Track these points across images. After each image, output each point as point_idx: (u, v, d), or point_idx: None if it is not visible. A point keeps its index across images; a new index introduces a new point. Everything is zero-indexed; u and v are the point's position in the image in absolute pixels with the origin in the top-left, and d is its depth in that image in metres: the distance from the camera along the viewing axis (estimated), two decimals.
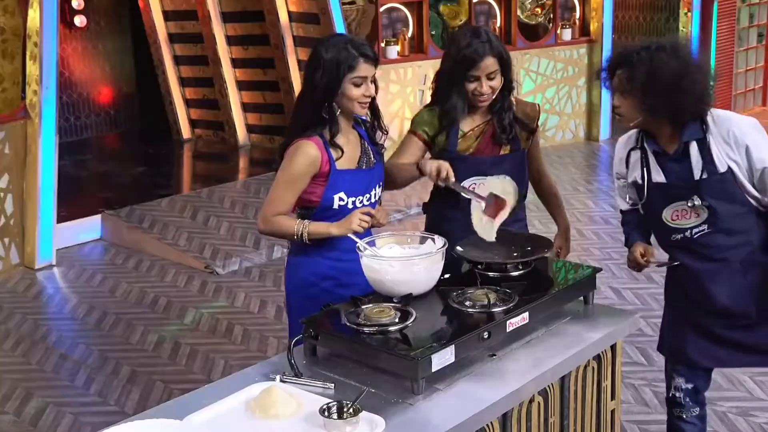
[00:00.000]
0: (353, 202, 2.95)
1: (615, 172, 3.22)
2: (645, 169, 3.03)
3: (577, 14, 9.43)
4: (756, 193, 2.93)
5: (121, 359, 4.77)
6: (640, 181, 3.06)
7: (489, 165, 3.26)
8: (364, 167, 3.00)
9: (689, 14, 9.68)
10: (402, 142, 3.35)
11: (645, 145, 3.04)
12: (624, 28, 10.37)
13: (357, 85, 2.89)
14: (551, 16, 9.23)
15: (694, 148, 2.94)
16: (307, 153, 2.89)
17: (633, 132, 3.11)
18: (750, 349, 3.08)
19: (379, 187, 3.06)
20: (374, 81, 2.95)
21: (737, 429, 3.91)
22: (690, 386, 3.21)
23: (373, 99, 2.98)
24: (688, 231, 3.00)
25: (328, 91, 2.88)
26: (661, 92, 2.87)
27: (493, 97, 3.26)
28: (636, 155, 3.07)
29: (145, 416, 2.31)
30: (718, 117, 2.95)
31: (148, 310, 5.45)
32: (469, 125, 3.30)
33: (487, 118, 3.31)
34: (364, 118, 3.07)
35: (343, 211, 2.94)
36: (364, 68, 2.89)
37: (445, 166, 3.00)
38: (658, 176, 3.02)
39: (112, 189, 7.62)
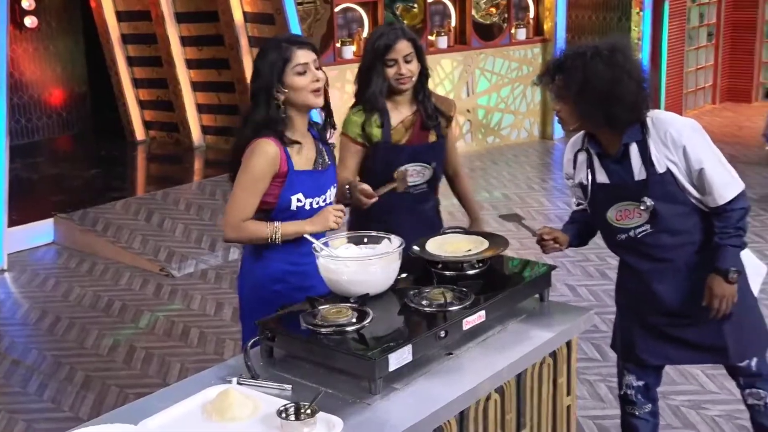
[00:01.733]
0: (310, 204, 2.94)
1: (564, 172, 3.27)
2: (590, 170, 3.08)
3: (531, 14, 9.50)
4: (696, 194, 2.98)
5: (75, 364, 4.71)
6: (585, 182, 3.10)
7: (421, 152, 3.52)
8: (320, 168, 3.00)
9: (641, 14, 9.80)
10: (340, 149, 3.47)
11: (589, 146, 3.08)
12: (577, 27, 10.46)
13: (301, 74, 2.87)
14: (505, 15, 9.29)
15: (634, 149, 2.98)
16: (266, 151, 2.86)
17: (580, 134, 3.16)
18: (697, 347, 3.13)
19: (334, 188, 3.05)
20: (319, 67, 2.93)
21: (690, 422, 3.97)
22: (641, 383, 3.25)
23: (326, 91, 2.97)
24: (632, 231, 3.04)
25: (268, 93, 2.86)
26: (594, 101, 2.90)
27: (413, 80, 3.46)
28: (582, 156, 3.11)
29: (100, 422, 2.28)
30: (657, 119, 2.99)
31: (103, 314, 5.39)
32: (397, 118, 3.50)
33: (413, 109, 3.52)
34: (314, 120, 3.08)
35: (300, 213, 2.93)
36: (300, 55, 2.87)
37: (367, 192, 3.19)
38: (602, 177, 3.06)
39: (65, 192, 7.52)
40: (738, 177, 3.01)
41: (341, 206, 3.01)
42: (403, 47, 3.40)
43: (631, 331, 3.21)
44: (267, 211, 2.93)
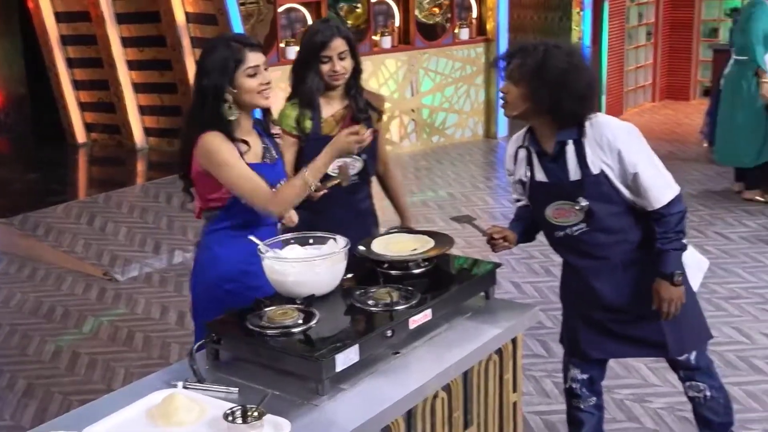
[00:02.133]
0: None
1: (506, 168, 3.31)
2: (529, 167, 3.12)
3: (474, 14, 9.56)
4: (630, 196, 3.03)
5: (16, 372, 4.62)
6: (524, 179, 3.14)
7: None
8: (269, 162, 2.99)
9: (581, 13, 9.92)
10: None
11: (529, 144, 3.12)
12: (519, 27, 10.55)
13: (252, 76, 2.87)
14: (448, 15, 9.33)
15: (570, 149, 3.02)
16: (219, 139, 2.83)
17: (523, 131, 3.20)
18: (637, 342, 3.20)
19: (284, 181, 3.04)
20: (266, 68, 2.93)
21: (634, 415, 4.03)
22: (585, 377, 3.31)
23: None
24: (569, 229, 3.09)
25: (217, 92, 2.84)
26: (547, 83, 2.94)
27: (347, 77, 3.52)
28: (523, 153, 3.15)
29: (42, 430, 2.24)
30: (595, 122, 3.03)
31: (45, 320, 5.30)
32: (328, 111, 3.55)
33: (344, 103, 3.58)
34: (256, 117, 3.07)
35: (252, 207, 2.90)
36: (252, 57, 2.87)
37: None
38: (540, 175, 3.10)
39: (4, 196, 7.38)
40: (673, 181, 3.08)
41: (357, 128, 2.96)
42: (338, 44, 3.45)
43: (574, 326, 3.27)
44: (216, 208, 2.92)
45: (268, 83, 2.92)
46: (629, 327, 3.17)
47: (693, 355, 3.23)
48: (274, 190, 2.89)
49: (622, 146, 2.99)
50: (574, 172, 3.02)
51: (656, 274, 3.06)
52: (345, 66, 3.49)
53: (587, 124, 3.01)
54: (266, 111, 3.11)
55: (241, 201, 2.89)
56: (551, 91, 2.94)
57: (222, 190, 2.89)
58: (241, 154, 2.87)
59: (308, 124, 3.50)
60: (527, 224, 3.29)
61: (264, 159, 2.99)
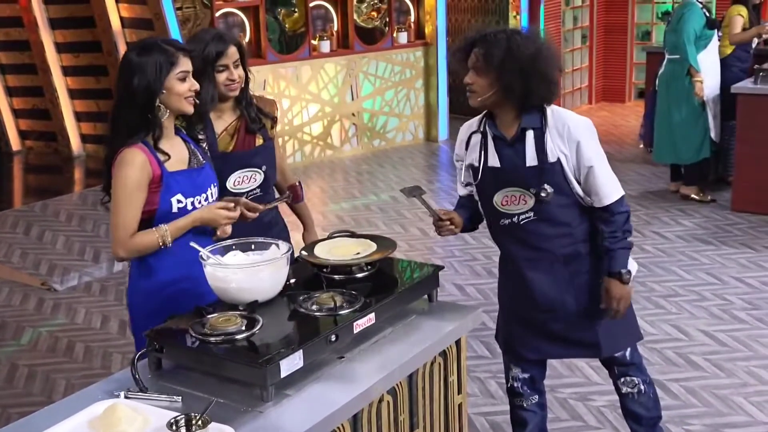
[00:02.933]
0: (192, 203, 2.90)
1: (455, 153, 3.29)
2: (483, 152, 3.12)
3: (412, 18, 9.61)
4: (579, 190, 3.07)
5: None
6: (476, 164, 3.15)
7: (250, 157, 3.46)
8: (195, 167, 2.96)
9: (518, 17, 10.04)
10: None
11: (486, 129, 3.13)
12: (457, 30, 10.64)
13: (182, 80, 2.86)
14: (387, 20, 9.36)
15: (530, 136, 3.05)
16: (134, 161, 2.81)
17: (477, 118, 3.20)
18: (571, 342, 3.23)
19: (215, 187, 3.02)
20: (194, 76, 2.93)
21: (577, 413, 4.08)
22: (526, 376, 3.34)
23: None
24: (516, 217, 3.11)
25: (150, 93, 2.82)
26: (517, 71, 2.96)
27: (241, 85, 3.43)
28: (476, 138, 3.16)
29: None
30: (556, 111, 3.08)
31: None
32: (221, 125, 3.44)
33: (236, 115, 3.47)
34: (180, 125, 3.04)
35: (183, 214, 2.88)
36: (184, 62, 2.87)
37: (250, 205, 3.09)
38: (494, 161, 3.11)
39: None
40: (619, 183, 3.13)
41: (243, 201, 2.98)
42: (233, 53, 3.38)
43: (510, 326, 3.30)
44: (148, 220, 2.88)
45: (196, 90, 2.91)
46: (562, 327, 3.20)
47: (628, 352, 3.29)
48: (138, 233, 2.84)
49: (582, 139, 3.04)
50: (530, 159, 3.05)
51: (605, 274, 3.11)
52: (240, 74, 3.41)
53: (548, 112, 3.05)
54: (191, 118, 3.05)
55: (171, 208, 2.86)
56: (522, 78, 2.96)
57: (150, 199, 2.85)
58: (161, 163, 2.84)
59: (203, 145, 3.35)
60: (471, 213, 3.29)
61: (190, 165, 2.96)
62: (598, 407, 4.12)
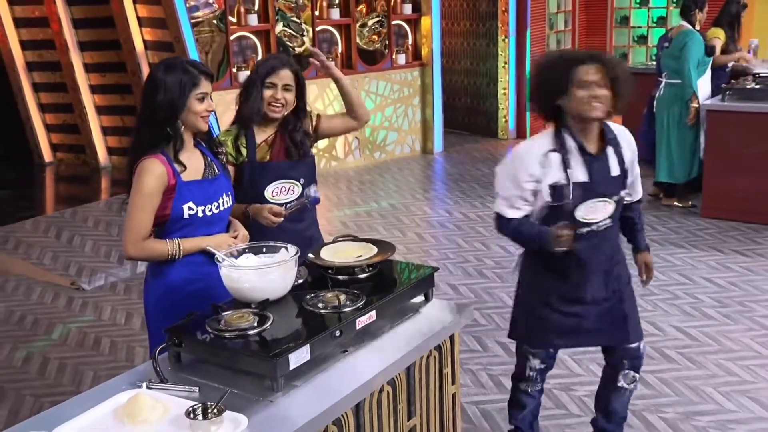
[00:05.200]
0: (203, 211, 2.90)
1: (528, 173, 3.03)
2: (566, 168, 3.00)
3: (410, 41, 9.62)
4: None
5: None
6: (562, 182, 3.00)
7: (286, 169, 3.41)
8: (209, 177, 2.96)
9: (506, 40, 10.05)
10: None
11: (568, 145, 3.01)
12: (451, 52, 10.66)
13: (201, 101, 2.86)
14: (387, 42, 9.37)
15: (610, 147, 3.07)
16: (152, 170, 2.81)
17: (543, 137, 3.07)
18: (606, 331, 3.22)
19: (227, 196, 3.01)
20: (211, 97, 2.93)
21: (561, 402, 4.07)
22: (543, 366, 3.34)
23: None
24: (596, 225, 3.09)
25: (173, 109, 2.82)
26: (628, 86, 3.00)
27: (286, 111, 3.37)
28: (556, 157, 3.01)
29: (15, 430, 2.19)
30: (614, 126, 3.13)
31: (16, 328, 5.18)
32: (262, 136, 3.40)
33: (276, 129, 3.42)
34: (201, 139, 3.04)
35: (194, 221, 2.88)
36: (205, 85, 2.87)
37: (275, 209, 3.24)
38: (582, 175, 3.01)
39: None
40: None
41: (243, 235, 3.00)
42: (286, 75, 3.33)
43: (544, 320, 3.21)
44: (162, 224, 2.88)
45: (211, 110, 2.91)
46: (600, 317, 3.19)
47: (642, 344, 3.29)
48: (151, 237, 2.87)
49: (634, 148, 3.14)
50: (615, 169, 3.07)
51: (640, 250, 3.33)
52: (287, 98, 3.33)
53: (611, 126, 3.12)
54: (209, 132, 3.05)
55: (183, 214, 2.86)
56: (628, 91, 2.99)
57: (164, 204, 2.85)
58: (177, 173, 2.84)
59: (244, 152, 3.37)
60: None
61: (205, 175, 2.95)
62: (580, 396, 4.11)
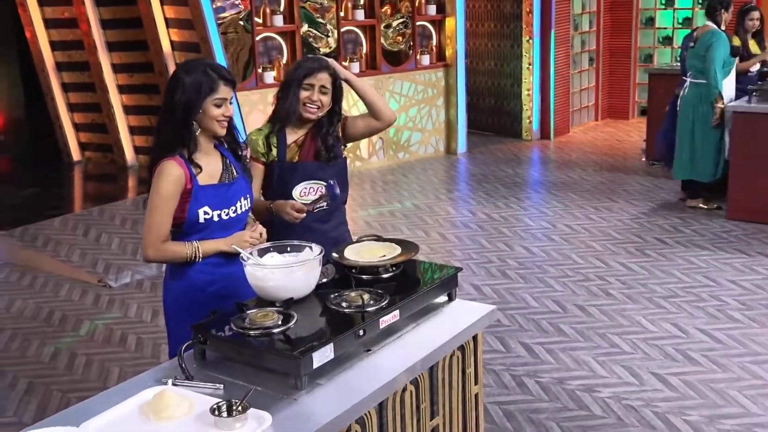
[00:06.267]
0: (218, 215, 2.90)
1: None
2: None
3: (434, 42, 9.60)
4: None
5: (18, 372, 4.55)
6: None
7: (315, 170, 3.41)
8: (226, 182, 2.95)
9: (531, 41, 10.00)
10: None
11: None
12: (475, 53, 10.63)
13: (218, 106, 2.86)
14: (411, 43, 9.36)
15: None
16: (170, 172, 2.82)
17: None
18: None
19: (245, 199, 3.01)
20: (231, 102, 2.92)
21: (584, 404, 4.04)
22: None
23: (231, 119, 2.95)
24: None
25: (188, 110, 2.82)
26: None
27: (321, 114, 3.36)
28: None
29: (43, 425, 2.20)
30: None
31: (44, 324, 5.23)
32: (292, 137, 3.40)
33: (307, 130, 3.42)
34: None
35: (210, 225, 2.89)
36: (224, 90, 2.86)
37: (297, 206, 3.22)
38: None
39: (5, 210, 7.27)
40: None
41: (261, 230, 2.98)
42: (323, 78, 3.32)
43: None
44: (179, 226, 2.89)
45: (228, 116, 2.90)
46: None
47: None
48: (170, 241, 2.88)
49: None
50: None
51: None
52: (323, 100, 3.32)
53: None
54: (231, 133, 3.01)
55: (198, 218, 2.87)
56: None
57: (180, 207, 2.86)
58: (194, 176, 2.84)
59: (274, 151, 3.38)
60: None
61: (221, 179, 2.94)
62: (603, 398, 4.08)
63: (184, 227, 2.88)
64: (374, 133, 3.65)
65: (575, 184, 8.15)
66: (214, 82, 2.84)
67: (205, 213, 2.87)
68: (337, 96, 3.39)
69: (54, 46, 8.75)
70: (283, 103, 3.38)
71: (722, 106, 6.81)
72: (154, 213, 2.84)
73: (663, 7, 11.05)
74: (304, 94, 3.33)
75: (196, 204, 2.85)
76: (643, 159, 8.88)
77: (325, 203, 3.36)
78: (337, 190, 3.31)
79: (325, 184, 3.38)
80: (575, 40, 10.73)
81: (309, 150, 3.41)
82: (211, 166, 2.92)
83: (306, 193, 3.39)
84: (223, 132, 2.92)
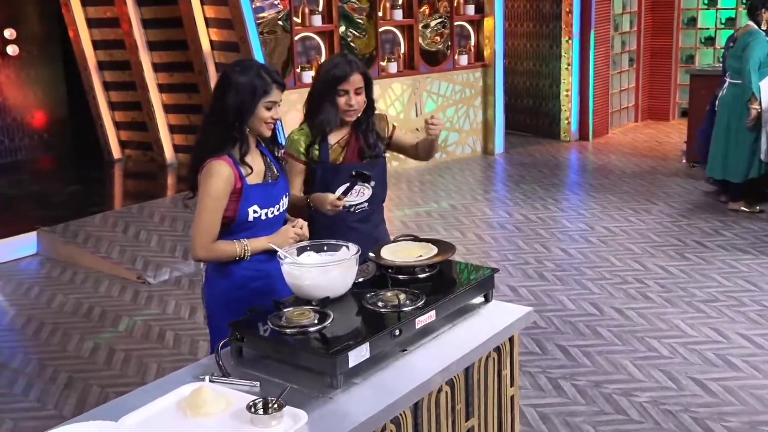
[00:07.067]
0: (265, 213, 2.93)
1: None
2: None
3: (473, 42, 9.57)
4: None
5: (58, 366, 4.63)
6: None
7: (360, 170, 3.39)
8: (270, 181, 2.98)
9: (570, 42, 9.92)
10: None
11: None
12: (514, 54, 10.57)
13: (268, 109, 2.88)
14: (449, 43, 9.34)
15: None
16: (220, 172, 2.84)
17: None
18: None
19: (286, 197, 3.04)
20: (279, 106, 2.95)
21: (621, 408, 4.00)
22: None
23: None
24: None
25: (241, 112, 2.84)
26: None
27: (360, 113, 3.37)
28: None
29: (82, 419, 2.24)
30: None
31: (84, 319, 5.30)
32: (335, 138, 3.40)
33: (350, 129, 3.42)
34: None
35: (258, 223, 2.91)
36: (276, 94, 2.89)
37: (335, 201, 3.21)
38: None
39: (47, 207, 7.38)
40: None
41: (302, 223, 3.00)
42: (356, 80, 3.31)
43: None
44: (227, 225, 2.91)
45: (277, 119, 2.94)
46: None
47: None
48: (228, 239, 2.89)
49: None
50: None
51: None
52: (359, 101, 3.35)
53: None
54: (274, 134, 3.04)
55: (248, 217, 2.89)
56: None
57: (229, 206, 2.88)
58: (243, 176, 2.87)
59: (316, 152, 3.38)
60: None
61: (266, 178, 2.97)
62: (641, 402, 4.04)
63: (232, 226, 2.91)
64: (410, 158, 3.70)
65: (614, 186, 8.07)
66: (268, 85, 2.86)
67: (254, 212, 2.90)
68: (368, 90, 3.40)
69: (96, 45, 8.86)
70: (320, 115, 3.36)
71: (758, 107, 6.70)
72: (205, 213, 2.86)
73: (705, 7, 10.90)
74: (341, 100, 3.33)
75: (246, 203, 2.88)
76: (684, 161, 8.77)
77: (366, 203, 3.37)
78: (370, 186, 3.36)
79: (366, 185, 3.36)
80: (615, 41, 10.63)
81: (353, 150, 3.42)
82: (256, 166, 2.94)
83: (348, 193, 3.37)
84: (269, 134, 2.95)
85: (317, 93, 3.40)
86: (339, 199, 3.24)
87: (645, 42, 11.09)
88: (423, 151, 3.57)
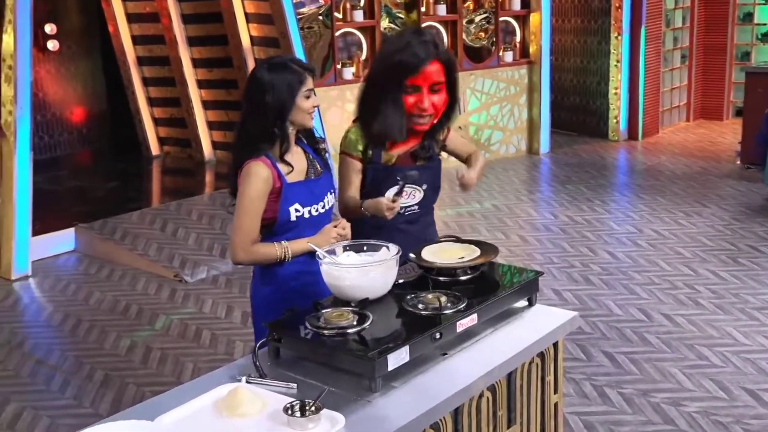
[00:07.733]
0: (309, 212, 2.93)
1: None
2: None
3: (518, 38, 9.52)
4: None
5: (95, 364, 4.70)
6: None
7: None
8: (313, 177, 2.98)
9: (620, 38, 9.82)
10: (340, 167, 3.22)
11: None
12: (561, 50, 10.49)
13: (308, 98, 2.89)
14: (494, 39, 9.30)
15: None
16: (258, 173, 2.85)
17: None
18: None
19: (331, 194, 3.03)
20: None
21: (669, 418, 3.95)
22: None
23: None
24: None
25: (282, 109, 2.85)
26: None
27: (436, 120, 2.84)
28: None
29: (118, 417, 2.26)
30: None
31: (121, 317, 5.38)
32: (396, 145, 3.12)
33: (416, 139, 3.10)
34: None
35: (301, 222, 2.92)
36: (310, 81, 2.90)
37: (389, 205, 3.00)
38: None
39: (85, 203, 7.50)
40: None
41: (344, 223, 2.99)
42: (433, 72, 2.60)
43: None
44: (269, 226, 2.93)
45: (317, 106, 2.93)
46: None
47: None
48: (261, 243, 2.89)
49: None
50: None
51: None
52: (437, 103, 2.66)
53: None
54: (311, 129, 3.02)
55: (290, 216, 2.90)
56: None
57: (270, 207, 2.89)
58: (282, 175, 2.87)
59: (369, 153, 3.15)
60: None
61: (308, 175, 2.97)
62: (690, 413, 3.98)
63: (274, 227, 2.92)
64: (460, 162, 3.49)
65: (664, 188, 7.97)
66: (302, 75, 2.87)
67: (296, 210, 2.91)
68: (452, 85, 2.70)
69: (135, 40, 8.98)
70: (378, 122, 2.90)
71: None
72: (244, 216, 2.88)
73: (762, 2, 10.71)
74: (410, 100, 2.74)
75: (286, 202, 2.89)
76: (738, 162, 8.63)
77: (416, 206, 3.27)
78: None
79: (417, 188, 3.18)
80: (667, 37, 10.49)
81: (407, 153, 3.20)
82: (298, 163, 2.95)
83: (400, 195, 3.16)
84: (312, 124, 2.95)
85: (376, 84, 2.87)
86: (393, 201, 3.04)
87: (698, 38, 10.93)
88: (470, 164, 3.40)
